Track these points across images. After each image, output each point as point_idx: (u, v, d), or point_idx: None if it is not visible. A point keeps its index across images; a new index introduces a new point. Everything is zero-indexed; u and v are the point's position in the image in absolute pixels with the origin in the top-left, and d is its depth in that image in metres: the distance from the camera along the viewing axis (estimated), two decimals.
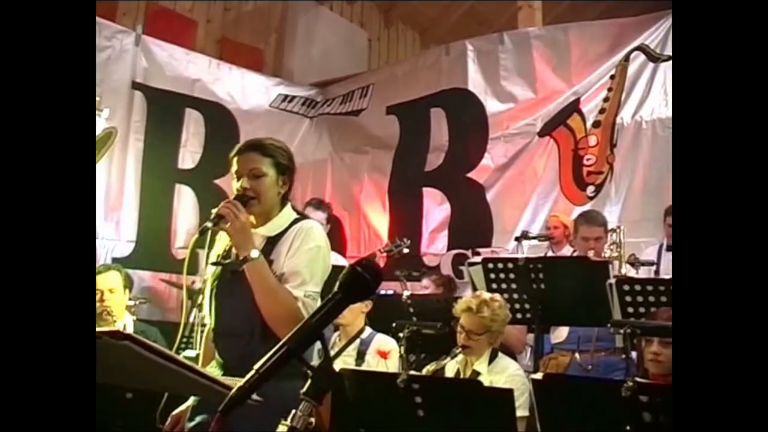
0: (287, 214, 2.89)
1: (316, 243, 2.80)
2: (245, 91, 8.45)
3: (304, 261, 2.75)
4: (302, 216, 2.93)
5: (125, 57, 7.48)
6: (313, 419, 1.42)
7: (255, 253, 2.67)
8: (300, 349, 1.47)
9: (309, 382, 1.46)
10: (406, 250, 6.52)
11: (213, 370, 2.80)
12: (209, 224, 2.68)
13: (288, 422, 1.42)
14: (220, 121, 8.11)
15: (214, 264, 2.88)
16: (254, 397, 1.92)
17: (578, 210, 6.46)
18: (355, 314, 4.52)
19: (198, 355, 4.76)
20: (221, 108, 8.18)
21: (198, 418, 2.74)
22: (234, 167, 2.85)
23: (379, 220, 8.19)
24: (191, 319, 5.72)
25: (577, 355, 4.74)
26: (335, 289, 1.58)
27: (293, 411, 1.43)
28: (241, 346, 2.73)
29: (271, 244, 2.79)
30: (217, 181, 7.90)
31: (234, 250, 2.79)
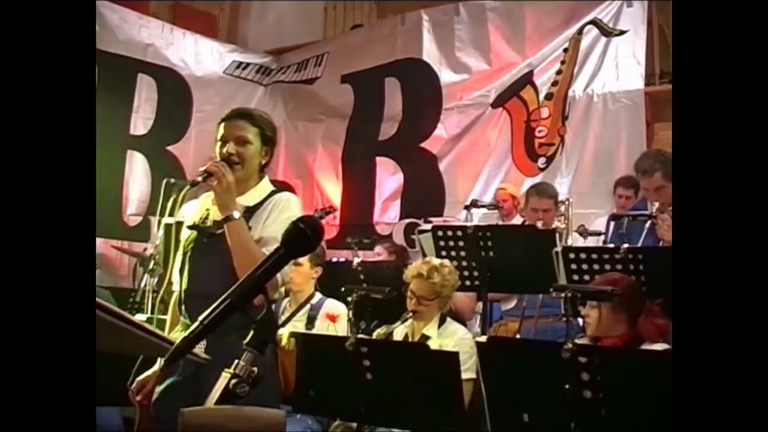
0: (265, 185, 2.97)
1: (292, 213, 2.86)
2: (199, 57, 8.38)
3: (281, 229, 2.76)
4: (279, 189, 3.00)
5: None
6: (255, 368, 1.46)
7: (237, 214, 2.75)
8: (242, 302, 1.50)
9: (251, 332, 1.49)
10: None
11: (180, 334, 2.83)
12: (199, 179, 2.76)
13: (231, 370, 1.45)
14: (173, 87, 8.05)
15: (191, 228, 2.94)
16: (202, 355, 1.96)
17: (530, 181, 6.55)
18: (305, 279, 4.54)
19: (149, 318, 4.81)
20: (174, 74, 8.11)
21: (168, 380, 2.78)
22: (220, 132, 2.91)
23: (333, 188, 8.22)
24: (142, 285, 5.71)
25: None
26: (278, 244, 1.62)
27: (236, 360, 1.46)
28: None
29: (249, 213, 2.86)
30: (169, 148, 7.92)
31: (211, 216, 2.88)
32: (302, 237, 1.59)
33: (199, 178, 2.76)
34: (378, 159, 7.87)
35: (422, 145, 7.54)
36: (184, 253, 2.92)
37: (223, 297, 1.49)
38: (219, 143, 2.90)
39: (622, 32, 6.60)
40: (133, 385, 2.87)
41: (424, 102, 7.62)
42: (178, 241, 3.02)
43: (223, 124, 2.92)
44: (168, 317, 3.10)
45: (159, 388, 2.78)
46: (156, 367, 2.86)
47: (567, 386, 2.65)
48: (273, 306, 2.17)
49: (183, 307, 2.88)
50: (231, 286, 2.63)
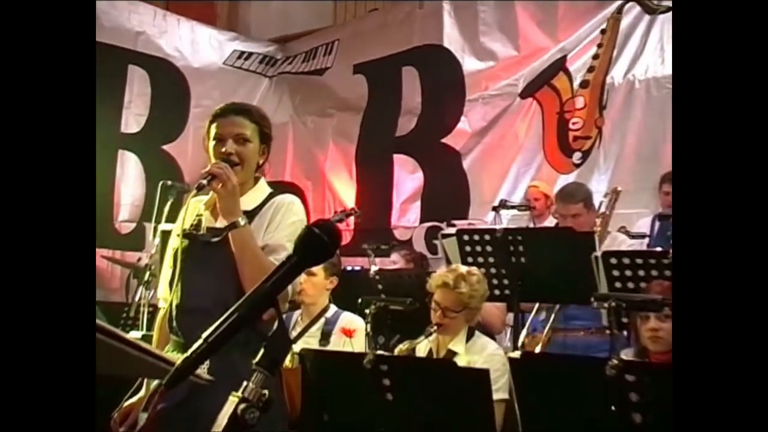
0: (262, 187, 2.98)
1: (298, 217, 2.89)
2: (196, 46, 8.43)
3: (288, 235, 2.81)
4: (276, 190, 3.01)
5: None
6: (266, 391, 1.43)
7: (243, 220, 2.75)
8: (252, 316, 1.48)
9: (262, 351, 1.47)
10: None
11: (171, 354, 2.77)
12: (203, 182, 2.74)
13: (239, 393, 1.42)
14: (167, 80, 8.09)
15: (183, 236, 2.90)
16: (205, 376, 1.93)
17: (564, 179, 6.51)
18: (318, 291, 4.53)
19: (144, 336, 4.80)
20: (169, 65, 8.14)
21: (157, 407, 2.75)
22: (213, 130, 2.90)
23: (346, 190, 8.23)
24: (136, 299, 5.71)
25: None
26: (291, 251, 1.59)
27: (245, 382, 1.44)
28: (211, 323, 2.74)
29: (248, 217, 2.84)
30: (165, 147, 7.96)
31: (204, 222, 2.89)
32: (318, 243, 1.55)
33: (204, 181, 2.75)
34: (395, 157, 7.89)
35: (444, 140, 7.53)
36: (175, 264, 2.89)
37: (230, 311, 1.47)
38: (213, 142, 2.89)
39: (668, 9, 6.45)
40: (116, 415, 2.86)
41: (445, 93, 7.61)
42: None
43: (217, 121, 2.91)
44: (154, 335, 3.08)
45: (143, 415, 2.78)
46: (142, 392, 2.87)
47: (613, 408, 2.61)
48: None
49: (174, 324, 2.86)
50: (230, 299, 2.60)
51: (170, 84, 8.11)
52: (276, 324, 1.50)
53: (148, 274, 5.31)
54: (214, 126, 2.91)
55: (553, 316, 4.57)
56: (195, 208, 2.99)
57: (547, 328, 4.56)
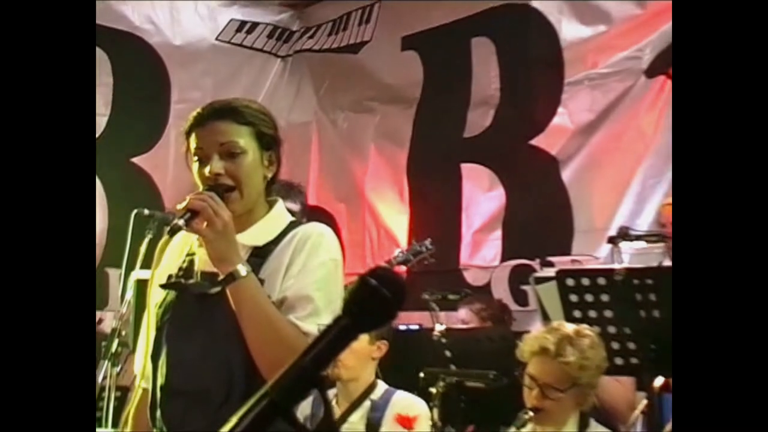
0: (280, 214, 3.04)
1: (330, 255, 2.93)
2: (177, 16, 8.43)
3: (316, 281, 2.86)
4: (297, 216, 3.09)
5: None
6: None
7: (243, 269, 2.76)
8: (288, 402, 1.50)
9: None
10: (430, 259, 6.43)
11: None
12: (180, 222, 2.75)
13: None
14: (137, 64, 8.12)
15: (166, 287, 2.96)
16: None
17: None
18: (361, 362, 4.55)
19: None
20: (139, 42, 8.16)
21: None
22: (193, 144, 2.94)
23: (394, 215, 8.23)
24: (98, 379, 5.67)
25: None
26: (339, 312, 1.59)
27: None
28: (211, 410, 2.81)
29: (259, 257, 2.90)
30: (135, 160, 7.99)
31: (198, 265, 2.93)
32: (377, 299, 1.57)
33: (180, 221, 2.76)
34: (464, 167, 7.85)
35: (533, 142, 7.48)
36: (157, 327, 2.94)
37: (258, 396, 1.49)
38: (195, 161, 2.94)
39: None
40: None
41: (534, 73, 7.59)
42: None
43: (195, 132, 2.95)
44: (127, 430, 3.10)
45: None
46: None
47: None
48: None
49: (158, 413, 2.89)
50: (237, 376, 2.74)
51: (141, 70, 8.14)
52: (322, 410, 1.52)
53: (116, 343, 5.24)
54: (192, 139, 2.95)
55: None
56: (184, 245, 3.03)
57: None
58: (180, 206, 2.78)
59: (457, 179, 7.87)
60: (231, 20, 8.75)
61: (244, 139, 2.90)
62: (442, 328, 5.05)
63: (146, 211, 5.53)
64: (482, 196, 7.76)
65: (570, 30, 7.40)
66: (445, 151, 7.98)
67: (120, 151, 7.89)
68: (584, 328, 4.04)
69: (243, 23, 8.83)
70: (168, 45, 8.31)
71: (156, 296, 2.96)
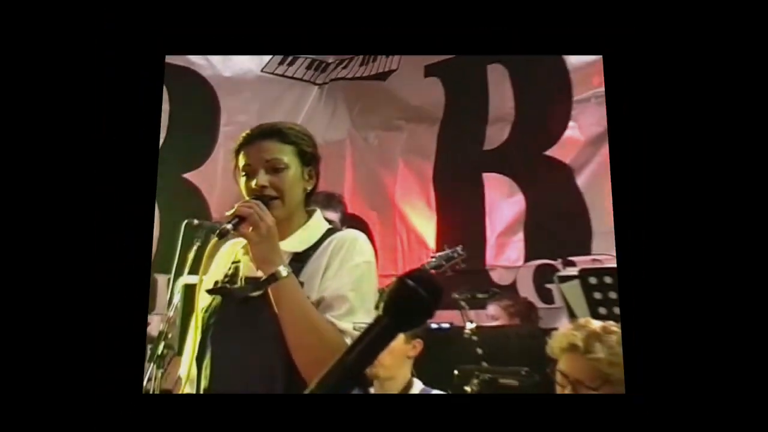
0: (317, 222, 3.10)
1: (364, 258, 2.96)
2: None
3: (351, 282, 2.90)
4: (334, 224, 3.12)
5: None
6: None
7: (284, 270, 2.78)
8: None
9: None
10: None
11: None
12: (228, 226, 2.80)
13: None
14: (191, 92, 8.06)
15: (213, 291, 2.98)
16: None
17: None
18: (397, 361, 4.33)
19: None
20: (193, 75, 8.14)
21: None
22: (242, 161, 3.01)
23: (423, 222, 8.09)
24: (144, 383, 5.43)
25: None
26: (380, 312, 1.61)
27: None
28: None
29: (299, 261, 2.94)
30: (187, 176, 7.97)
31: (242, 271, 2.99)
32: (415, 300, 1.58)
33: (228, 225, 2.80)
34: (486, 176, 7.75)
35: (548, 152, 7.38)
36: (202, 331, 2.94)
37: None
38: (243, 176, 3.01)
39: None
40: None
41: (545, 94, 7.51)
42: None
43: (243, 151, 3.03)
44: None
45: None
46: None
47: None
48: None
49: None
50: (278, 377, 2.74)
51: (195, 98, 8.10)
52: None
53: (162, 346, 4.98)
54: (241, 156, 3.03)
55: None
56: (230, 254, 3.10)
57: None
58: (228, 213, 2.84)
59: (479, 187, 7.78)
60: (274, 55, 8.71)
61: (287, 156, 2.99)
62: (473, 326, 4.95)
63: (195, 221, 5.40)
64: (504, 202, 7.67)
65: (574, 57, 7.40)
66: (468, 162, 7.90)
67: (173, 167, 7.80)
68: (611, 324, 3.66)
69: (285, 57, 8.81)
70: (219, 77, 8.31)
71: (202, 301, 2.99)
